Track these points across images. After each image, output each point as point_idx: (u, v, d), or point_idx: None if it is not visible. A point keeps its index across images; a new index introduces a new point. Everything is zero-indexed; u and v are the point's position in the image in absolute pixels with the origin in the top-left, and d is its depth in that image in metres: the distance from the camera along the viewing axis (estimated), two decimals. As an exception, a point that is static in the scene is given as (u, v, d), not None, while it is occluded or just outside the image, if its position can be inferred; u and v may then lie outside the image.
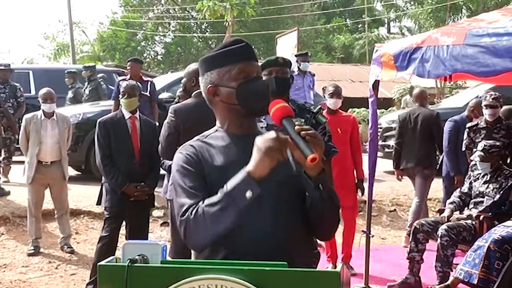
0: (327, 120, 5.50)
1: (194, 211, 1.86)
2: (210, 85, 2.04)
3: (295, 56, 9.83)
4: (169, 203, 4.55)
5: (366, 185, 5.44)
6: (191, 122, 4.33)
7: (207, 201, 1.86)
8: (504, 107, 6.52)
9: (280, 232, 1.89)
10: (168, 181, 4.56)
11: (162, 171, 5.33)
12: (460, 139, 6.42)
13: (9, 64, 9.69)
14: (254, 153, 1.83)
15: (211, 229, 1.83)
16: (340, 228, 5.99)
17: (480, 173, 5.40)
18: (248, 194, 1.80)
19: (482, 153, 5.27)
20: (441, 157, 7.15)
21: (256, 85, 2.00)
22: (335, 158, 5.33)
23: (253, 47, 2.09)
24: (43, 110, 6.25)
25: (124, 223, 5.26)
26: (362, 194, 5.82)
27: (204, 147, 2.02)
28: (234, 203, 1.81)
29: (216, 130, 2.09)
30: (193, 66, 4.61)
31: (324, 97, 7.60)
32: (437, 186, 7.49)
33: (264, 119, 3.18)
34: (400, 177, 7.07)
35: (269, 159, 1.80)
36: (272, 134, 1.82)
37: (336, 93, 5.68)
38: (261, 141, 1.82)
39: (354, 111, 16.15)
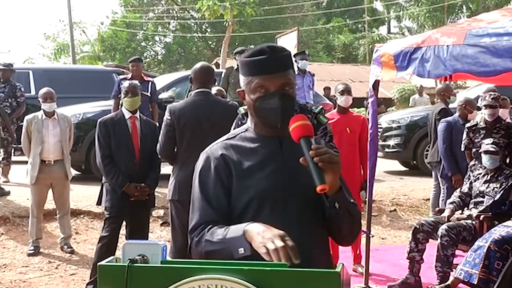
0: (336, 120, 5.55)
1: (198, 238, 1.90)
2: (240, 89, 2.05)
3: (293, 56, 9.84)
4: (170, 203, 4.55)
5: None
6: (185, 121, 4.34)
7: (209, 235, 1.89)
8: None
9: (305, 239, 1.87)
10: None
11: (162, 171, 5.34)
12: (455, 139, 6.43)
13: (10, 64, 9.51)
14: (257, 229, 1.77)
15: (207, 257, 1.88)
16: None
17: (481, 173, 5.41)
18: (241, 251, 1.80)
19: (493, 146, 5.26)
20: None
21: (269, 103, 1.94)
22: (341, 158, 5.32)
23: (280, 55, 1.97)
24: (43, 110, 6.26)
25: (124, 223, 5.26)
26: (365, 196, 5.80)
27: (232, 149, 2.01)
28: (229, 251, 1.82)
29: (246, 130, 2.07)
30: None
31: (330, 97, 7.60)
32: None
33: None
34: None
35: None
36: (269, 235, 1.74)
37: (347, 90, 5.65)
38: (264, 236, 1.74)
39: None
